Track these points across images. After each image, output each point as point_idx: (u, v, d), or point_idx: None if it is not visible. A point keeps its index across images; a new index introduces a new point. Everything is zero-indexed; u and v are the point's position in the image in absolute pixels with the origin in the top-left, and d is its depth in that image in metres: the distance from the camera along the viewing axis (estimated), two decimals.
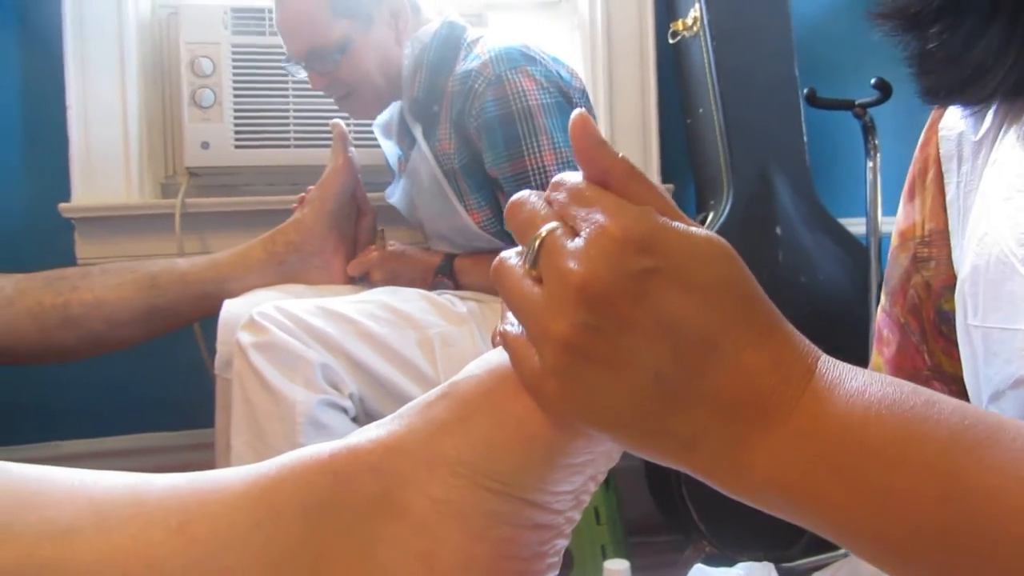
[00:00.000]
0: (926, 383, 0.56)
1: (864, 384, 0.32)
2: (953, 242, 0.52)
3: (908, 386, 0.32)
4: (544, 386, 0.34)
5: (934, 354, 0.55)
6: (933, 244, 0.54)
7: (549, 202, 0.36)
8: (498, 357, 0.38)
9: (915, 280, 0.56)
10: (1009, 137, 0.47)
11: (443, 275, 1.38)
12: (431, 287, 1.38)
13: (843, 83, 1.68)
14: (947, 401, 0.32)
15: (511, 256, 0.37)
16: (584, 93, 1.39)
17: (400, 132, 1.51)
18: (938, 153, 0.54)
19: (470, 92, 1.29)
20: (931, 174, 0.54)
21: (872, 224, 1.61)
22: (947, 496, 0.29)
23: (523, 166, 1.27)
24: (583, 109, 0.36)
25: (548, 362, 0.33)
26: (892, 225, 1.90)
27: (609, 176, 0.35)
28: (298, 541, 0.35)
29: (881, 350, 0.60)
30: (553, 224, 0.35)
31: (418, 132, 1.40)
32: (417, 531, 0.35)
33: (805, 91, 1.63)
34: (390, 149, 1.56)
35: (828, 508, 0.31)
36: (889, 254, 0.59)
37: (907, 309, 0.57)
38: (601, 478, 0.39)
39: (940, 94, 0.49)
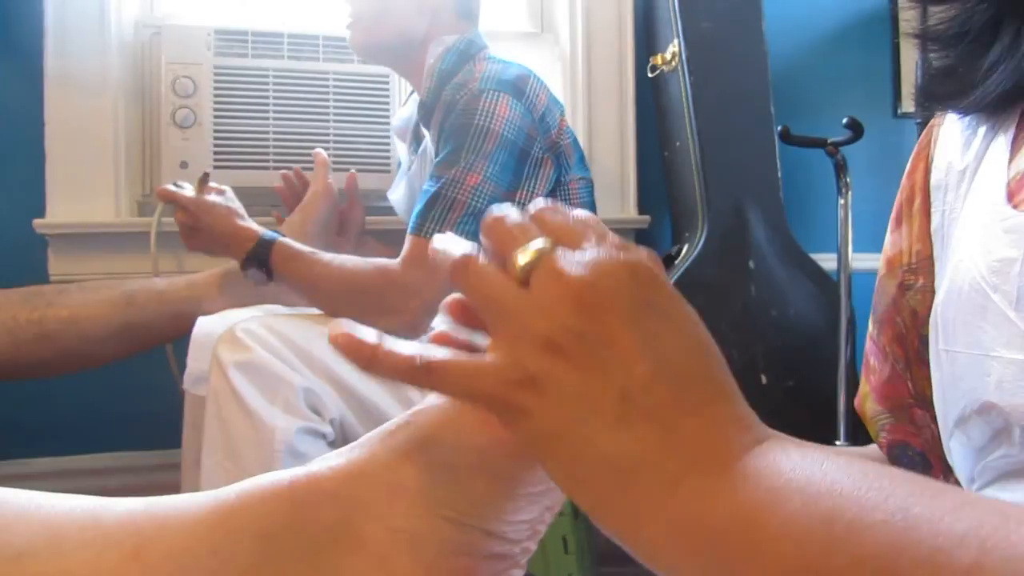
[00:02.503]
0: (909, 411, 0.57)
1: (816, 451, 0.31)
2: (936, 269, 0.53)
3: (864, 462, 0.30)
4: (505, 389, 0.33)
5: (917, 381, 0.56)
6: (919, 271, 0.55)
7: (540, 219, 0.36)
8: None
9: (902, 307, 0.57)
10: (989, 161, 0.49)
11: (254, 265, 1.25)
12: (244, 274, 1.27)
13: (816, 122, 1.71)
14: (902, 477, 0.29)
15: (478, 254, 0.36)
16: (557, 146, 1.35)
17: (412, 132, 1.52)
18: (925, 180, 0.55)
19: (453, 102, 1.29)
20: (918, 201, 0.55)
21: (843, 260, 1.63)
22: None
23: (447, 173, 1.24)
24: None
25: (519, 360, 0.33)
26: (862, 261, 1.92)
27: None
28: (254, 568, 0.35)
29: (868, 378, 0.61)
30: (550, 241, 0.35)
31: (428, 135, 1.41)
32: (374, 561, 0.35)
33: (780, 128, 1.66)
34: (402, 149, 1.58)
35: (760, 549, 0.29)
36: (876, 282, 0.59)
37: (892, 337, 0.58)
38: (557, 508, 0.39)
39: (934, 100, 0.52)
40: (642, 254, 0.34)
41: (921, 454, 0.57)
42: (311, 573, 0.35)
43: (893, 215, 0.59)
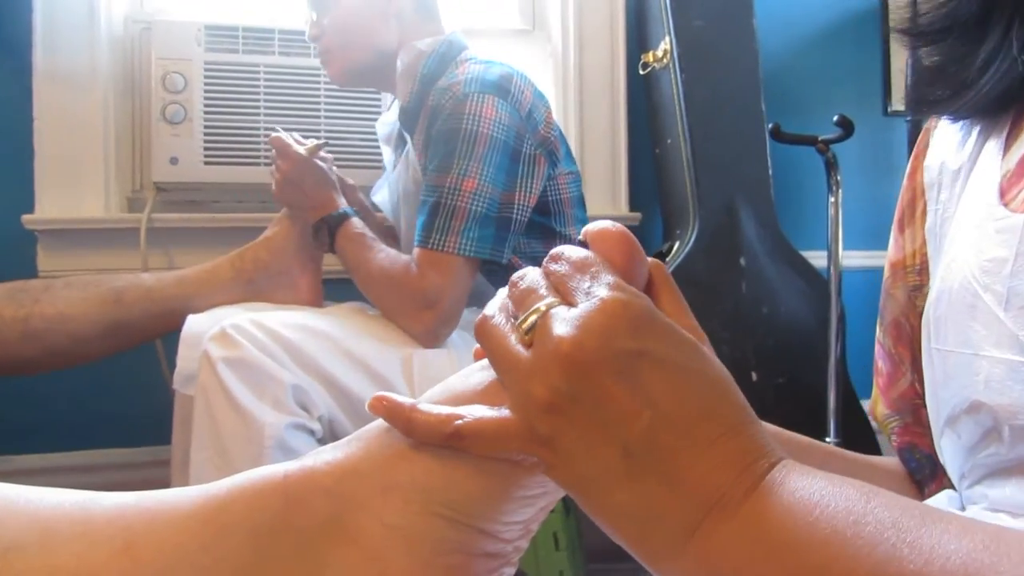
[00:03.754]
0: (917, 412, 0.58)
1: (813, 488, 0.32)
2: (931, 269, 0.54)
3: (859, 494, 0.32)
4: (528, 447, 0.35)
5: (924, 383, 0.57)
6: (923, 272, 0.55)
7: (547, 274, 0.38)
8: (461, 383, 0.39)
9: (908, 310, 0.57)
10: (983, 162, 0.49)
11: (324, 230, 1.33)
12: (312, 231, 1.36)
13: (807, 119, 1.72)
14: (890, 511, 0.31)
15: (496, 315, 0.38)
16: (547, 141, 1.35)
17: (398, 138, 1.52)
18: (923, 182, 0.55)
19: (439, 107, 1.29)
20: (920, 205, 0.56)
21: (833, 257, 1.64)
22: None
23: (443, 181, 1.24)
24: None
25: (529, 422, 0.34)
26: (853, 259, 1.93)
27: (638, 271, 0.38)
28: (247, 564, 0.35)
29: (877, 381, 0.61)
30: (553, 299, 0.36)
31: (409, 140, 1.41)
32: (368, 557, 0.35)
33: (770, 126, 1.67)
34: (387, 154, 1.57)
35: None
36: (882, 286, 0.60)
37: (898, 339, 0.58)
38: (551, 508, 0.39)
39: (926, 105, 0.51)
40: (628, 297, 0.35)
41: (928, 456, 0.57)
42: (304, 569, 0.35)
43: (896, 219, 0.59)
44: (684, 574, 0.33)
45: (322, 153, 1.40)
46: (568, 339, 0.33)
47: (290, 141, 1.36)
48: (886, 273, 0.59)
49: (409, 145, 1.41)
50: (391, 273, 1.27)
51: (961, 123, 0.51)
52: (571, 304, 0.35)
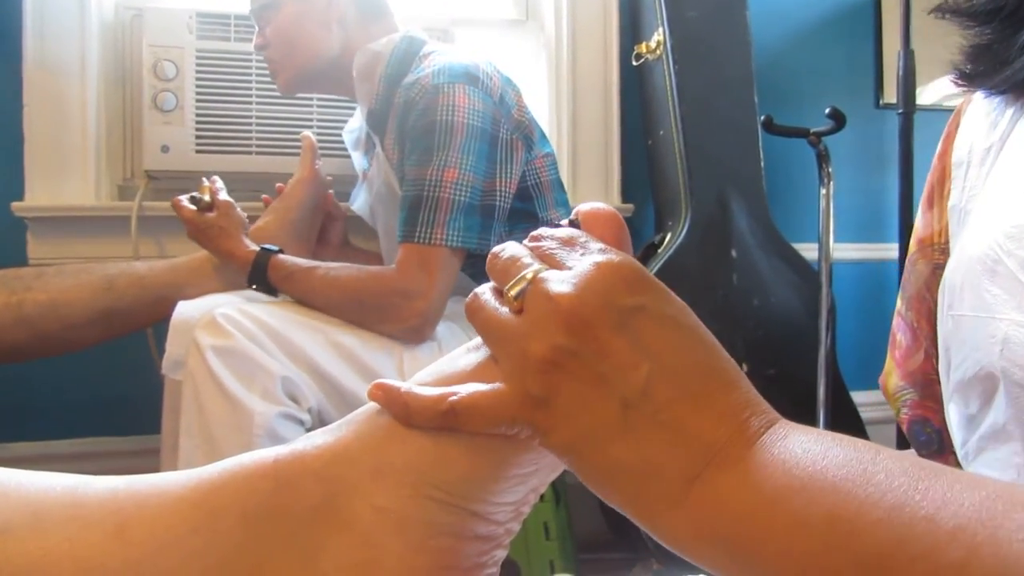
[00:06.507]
0: (932, 387, 0.59)
1: (818, 442, 0.32)
2: (952, 244, 0.55)
3: (867, 447, 0.31)
4: (522, 413, 0.34)
5: None
6: (947, 252, 0.57)
7: (532, 248, 0.38)
8: (449, 365, 0.39)
9: (933, 286, 0.58)
10: (1015, 139, 0.50)
11: (257, 283, 1.28)
12: (248, 286, 1.30)
13: (799, 111, 1.72)
14: (899, 463, 0.31)
15: (486, 291, 0.38)
16: (522, 125, 1.35)
17: (366, 142, 1.52)
18: (951, 161, 0.56)
19: (409, 102, 1.28)
20: (948, 184, 0.57)
21: (824, 250, 1.64)
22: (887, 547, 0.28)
23: (423, 174, 1.23)
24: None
25: (524, 385, 0.34)
26: (844, 251, 1.94)
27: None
28: (237, 547, 0.35)
29: (893, 354, 0.62)
30: (540, 266, 0.36)
31: (378, 142, 1.40)
32: (359, 541, 0.35)
33: (763, 118, 1.67)
34: (358, 160, 1.57)
35: (767, 546, 0.30)
36: (907, 260, 0.61)
37: (920, 313, 0.60)
38: (542, 489, 0.39)
39: (970, 78, 0.52)
40: (621, 257, 0.35)
41: (938, 431, 0.58)
42: (295, 552, 0.35)
43: (924, 196, 0.60)
44: (682, 528, 0.32)
45: (217, 186, 1.37)
46: (568, 295, 0.34)
47: (182, 201, 1.34)
48: (912, 248, 0.61)
49: (379, 147, 1.40)
50: (362, 284, 1.24)
51: (995, 103, 0.53)
52: (561, 269, 0.36)
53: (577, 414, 0.33)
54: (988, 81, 0.51)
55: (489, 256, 0.40)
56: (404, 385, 0.37)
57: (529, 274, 0.36)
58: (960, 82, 0.53)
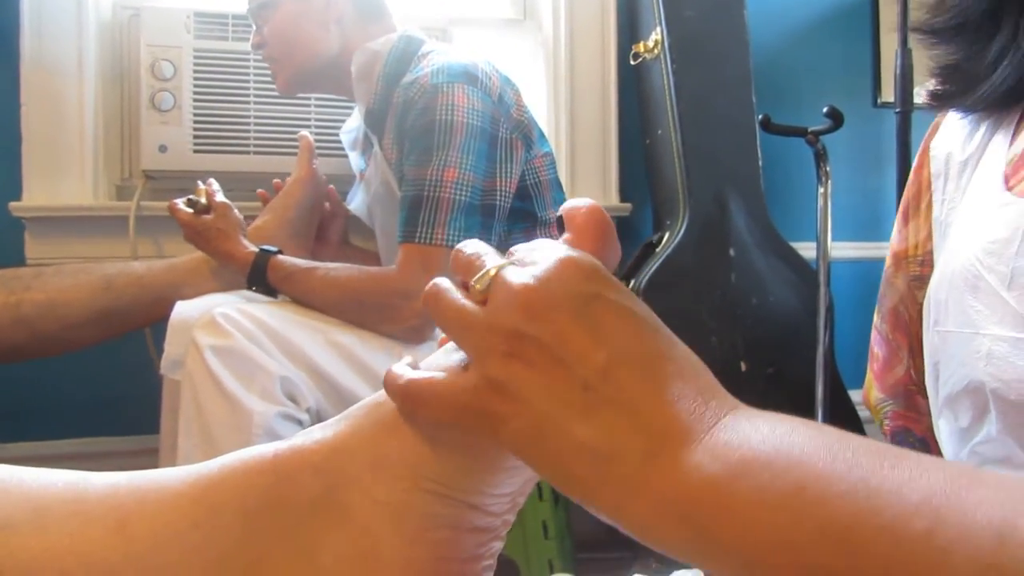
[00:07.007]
0: (911, 398, 0.60)
1: (784, 422, 0.32)
2: (935, 258, 0.55)
3: (835, 431, 0.31)
4: (478, 400, 0.34)
5: (919, 369, 0.57)
6: (927, 264, 0.57)
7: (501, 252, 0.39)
8: (445, 358, 0.39)
9: (908, 300, 0.58)
10: (991, 153, 0.50)
11: (256, 285, 1.28)
12: (247, 287, 1.30)
13: (797, 111, 1.73)
14: (868, 443, 0.31)
15: (445, 281, 0.39)
16: (521, 124, 1.35)
17: (364, 141, 1.52)
18: (930, 175, 0.56)
19: (408, 102, 1.28)
20: (926, 198, 0.57)
21: (822, 249, 1.65)
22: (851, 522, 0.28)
23: (423, 174, 1.23)
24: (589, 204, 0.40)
25: (486, 372, 0.34)
26: (841, 250, 1.94)
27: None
28: (237, 541, 0.35)
29: (872, 367, 0.63)
30: (504, 261, 0.37)
31: (375, 141, 1.40)
32: (358, 533, 0.36)
33: (760, 117, 1.67)
34: (355, 160, 1.57)
35: (732, 520, 0.29)
36: (883, 275, 0.62)
37: (896, 326, 0.60)
38: (536, 480, 0.40)
39: (940, 100, 0.53)
40: (580, 253, 0.36)
41: (921, 440, 0.59)
42: (295, 546, 0.35)
43: (900, 210, 0.60)
44: (645, 511, 0.31)
45: (214, 188, 1.37)
46: (528, 284, 0.35)
47: (179, 205, 1.34)
48: (888, 262, 0.61)
49: (377, 147, 1.40)
50: (361, 284, 1.24)
51: (971, 117, 0.52)
52: (525, 264, 0.37)
53: (537, 398, 0.33)
54: (962, 101, 0.51)
55: (453, 252, 0.40)
56: (396, 367, 0.38)
57: (493, 269, 0.37)
58: (933, 103, 0.53)
